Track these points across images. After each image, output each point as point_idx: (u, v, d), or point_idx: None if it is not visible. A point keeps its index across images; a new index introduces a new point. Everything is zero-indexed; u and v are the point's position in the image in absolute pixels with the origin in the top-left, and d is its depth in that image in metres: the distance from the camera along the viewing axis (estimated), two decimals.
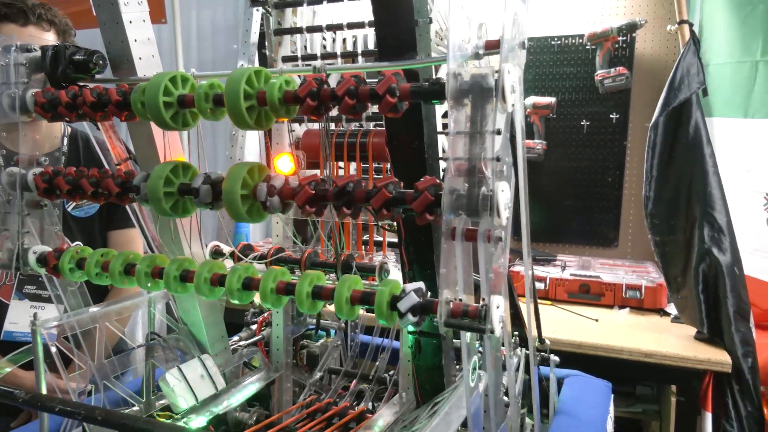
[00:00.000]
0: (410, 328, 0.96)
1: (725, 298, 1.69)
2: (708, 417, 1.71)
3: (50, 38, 1.40)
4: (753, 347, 1.66)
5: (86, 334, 1.02)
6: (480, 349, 0.82)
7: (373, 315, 1.28)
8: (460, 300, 0.64)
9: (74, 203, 1.51)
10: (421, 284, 0.67)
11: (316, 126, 1.20)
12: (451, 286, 0.64)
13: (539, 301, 2.12)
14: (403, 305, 0.66)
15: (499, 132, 0.61)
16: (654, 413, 1.91)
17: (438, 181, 0.65)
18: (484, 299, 0.63)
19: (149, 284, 0.83)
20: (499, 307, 0.63)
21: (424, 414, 0.87)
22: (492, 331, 0.62)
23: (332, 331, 1.38)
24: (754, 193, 1.90)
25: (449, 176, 0.62)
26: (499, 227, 0.64)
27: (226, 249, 1.08)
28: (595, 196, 2.55)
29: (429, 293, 0.69)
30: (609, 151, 2.51)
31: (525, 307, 1.11)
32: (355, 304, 0.71)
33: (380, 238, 1.29)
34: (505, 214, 0.63)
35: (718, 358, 1.65)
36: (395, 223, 0.95)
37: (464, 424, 0.78)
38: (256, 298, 0.78)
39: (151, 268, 0.83)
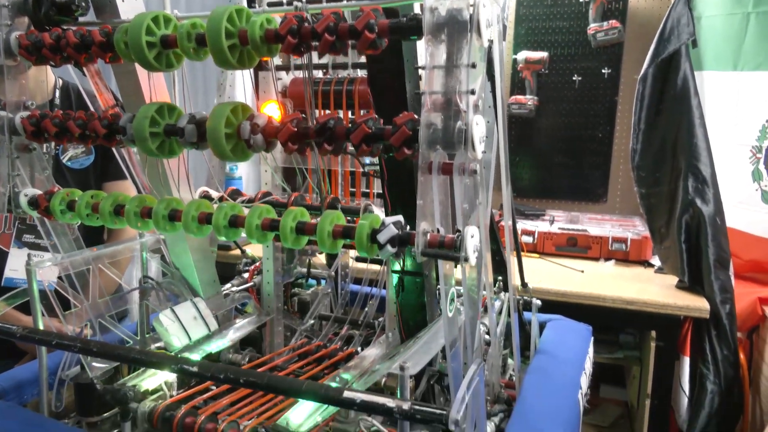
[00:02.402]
0: (395, 267, 0.99)
1: (706, 247, 1.73)
2: (686, 361, 1.78)
3: None
4: (731, 294, 1.72)
5: (82, 279, 1.05)
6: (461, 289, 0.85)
7: (362, 266, 1.31)
8: (438, 231, 0.67)
9: (69, 155, 1.52)
10: (399, 217, 0.70)
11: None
12: (428, 217, 0.67)
13: (528, 254, 2.18)
14: (382, 237, 0.69)
15: (474, 65, 0.62)
16: (635, 359, 1.98)
17: (416, 116, 0.67)
18: (459, 230, 0.66)
19: (139, 224, 0.86)
20: (473, 237, 0.65)
21: (404, 347, 0.91)
22: (466, 259, 0.65)
23: (323, 281, 1.41)
24: (740, 146, 1.92)
25: (425, 110, 0.64)
26: (474, 160, 0.66)
27: (215, 194, 1.10)
28: (586, 151, 2.56)
29: (409, 228, 0.71)
30: (600, 106, 2.52)
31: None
32: (337, 238, 0.73)
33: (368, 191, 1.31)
34: (480, 147, 0.65)
35: (697, 305, 1.70)
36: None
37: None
38: (250, 250, 0.80)
39: (140, 208, 0.85)
